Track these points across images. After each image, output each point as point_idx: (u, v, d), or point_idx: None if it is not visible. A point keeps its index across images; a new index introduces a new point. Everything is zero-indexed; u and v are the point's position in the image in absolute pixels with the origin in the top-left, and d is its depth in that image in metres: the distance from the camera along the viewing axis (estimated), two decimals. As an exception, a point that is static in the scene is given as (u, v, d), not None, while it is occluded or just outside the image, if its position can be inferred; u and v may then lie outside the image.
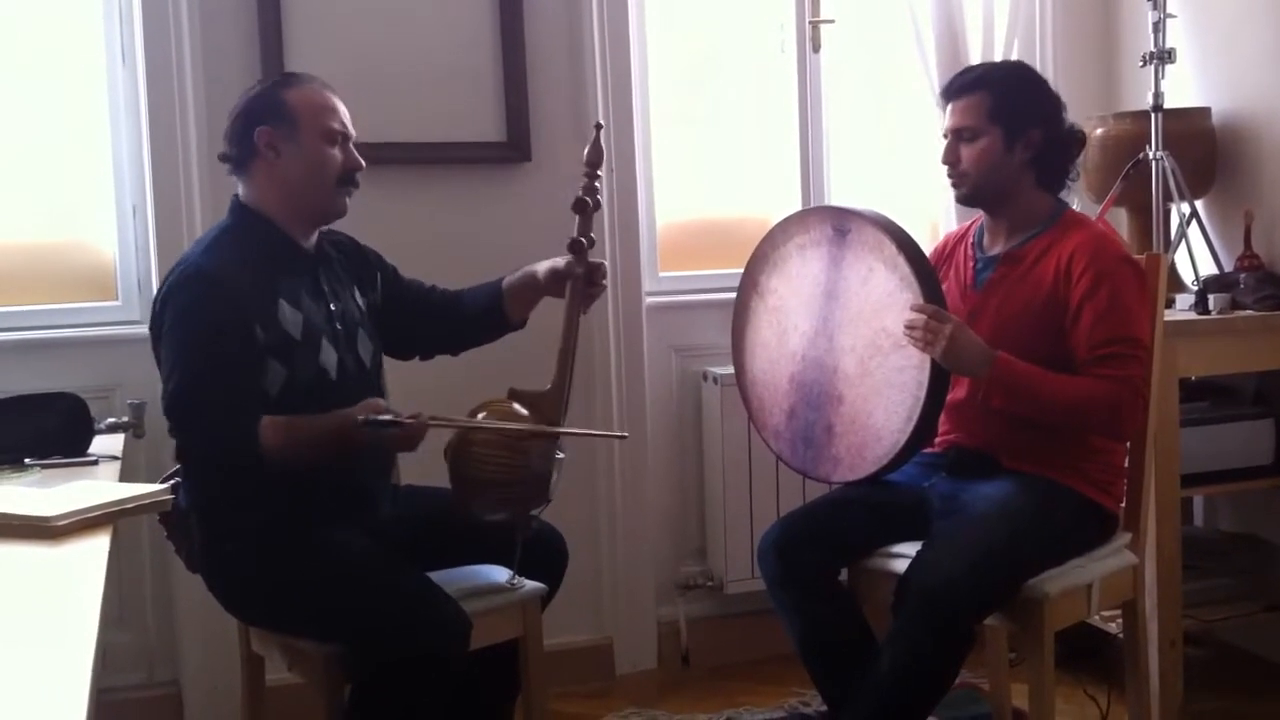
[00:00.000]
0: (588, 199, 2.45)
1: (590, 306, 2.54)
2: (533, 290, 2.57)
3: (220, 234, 2.38)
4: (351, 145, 2.42)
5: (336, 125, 2.40)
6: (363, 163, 2.43)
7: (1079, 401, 2.45)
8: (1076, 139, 2.68)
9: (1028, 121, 2.60)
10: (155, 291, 2.39)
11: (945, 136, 2.67)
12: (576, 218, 2.45)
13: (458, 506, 2.33)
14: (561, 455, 2.38)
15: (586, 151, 2.46)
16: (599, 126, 2.48)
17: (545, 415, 2.36)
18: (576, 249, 2.45)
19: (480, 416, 2.32)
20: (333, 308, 2.42)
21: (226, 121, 2.43)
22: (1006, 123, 2.59)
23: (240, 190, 2.42)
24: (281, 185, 2.38)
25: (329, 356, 2.37)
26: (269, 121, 2.36)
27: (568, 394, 2.41)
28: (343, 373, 2.39)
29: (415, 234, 2.68)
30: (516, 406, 2.34)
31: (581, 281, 2.46)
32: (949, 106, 2.67)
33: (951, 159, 2.65)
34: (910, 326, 2.43)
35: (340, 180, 2.41)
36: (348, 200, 2.44)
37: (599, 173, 2.46)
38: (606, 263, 2.52)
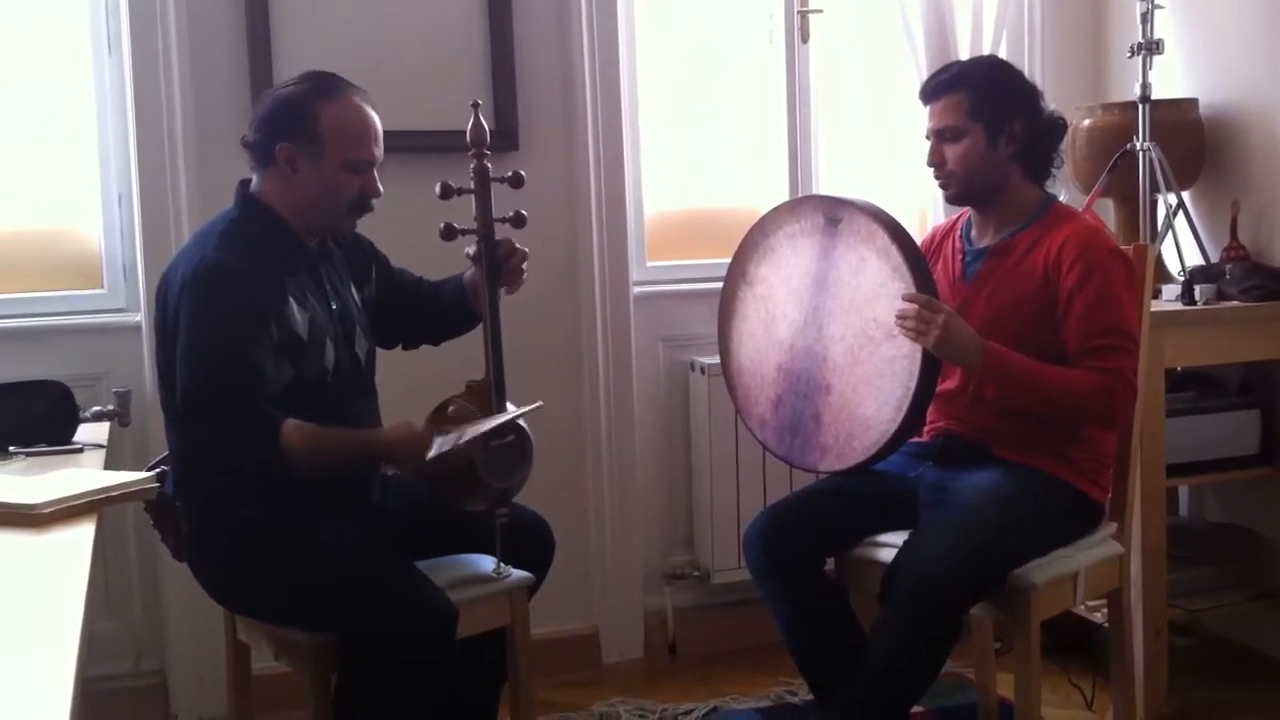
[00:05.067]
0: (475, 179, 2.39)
1: (516, 284, 2.49)
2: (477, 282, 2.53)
3: (229, 226, 2.34)
4: (374, 171, 2.38)
5: (362, 156, 2.35)
6: (380, 190, 2.39)
7: (1071, 392, 2.46)
8: (1058, 125, 2.68)
9: (1009, 115, 2.60)
10: (159, 284, 2.34)
11: (927, 138, 2.66)
12: (474, 200, 2.40)
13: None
14: (511, 437, 2.37)
15: (469, 131, 2.40)
16: (476, 105, 2.42)
17: (479, 402, 2.36)
18: (477, 232, 2.41)
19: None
20: (334, 307, 2.41)
21: (257, 107, 2.40)
22: (988, 119, 2.59)
23: (253, 180, 2.39)
24: (293, 199, 2.35)
25: (330, 357, 2.36)
26: (294, 138, 2.32)
27: (498, 376, 2.39)
28: (339, 372, 2.38)
29: (401, 222, 2.68)
30: (452, 405, 2.35)
31: (486, 262, 2.42)
32: (928, 108, 2.66)
33: (936, 160, 2.64)
34: (902, 316, 2.43)
35: (352, 207, 2.38)
36: (356, 222, 2.43)
37: (486, 151, 2.41)
38: (526, 248, 2.48)
